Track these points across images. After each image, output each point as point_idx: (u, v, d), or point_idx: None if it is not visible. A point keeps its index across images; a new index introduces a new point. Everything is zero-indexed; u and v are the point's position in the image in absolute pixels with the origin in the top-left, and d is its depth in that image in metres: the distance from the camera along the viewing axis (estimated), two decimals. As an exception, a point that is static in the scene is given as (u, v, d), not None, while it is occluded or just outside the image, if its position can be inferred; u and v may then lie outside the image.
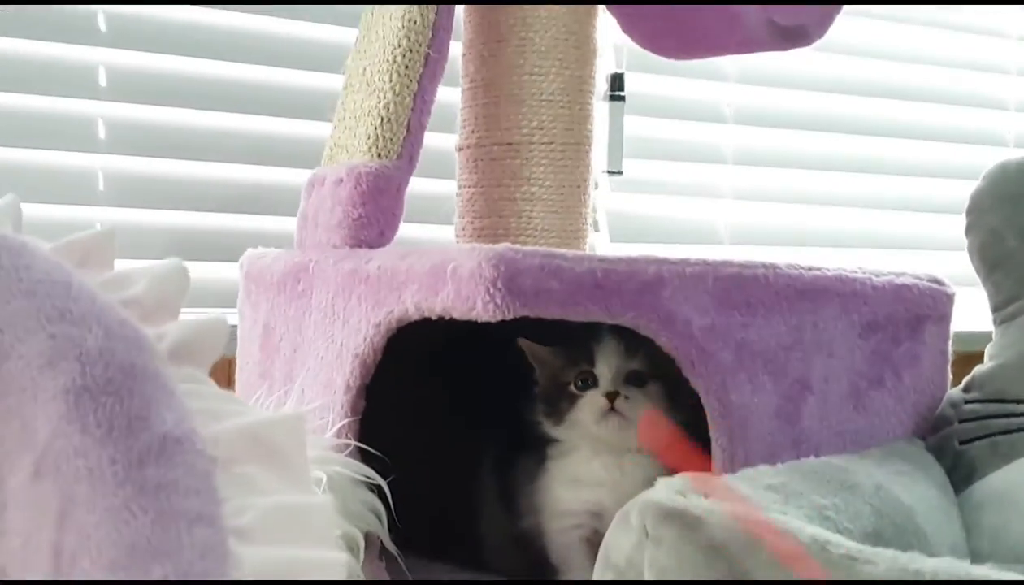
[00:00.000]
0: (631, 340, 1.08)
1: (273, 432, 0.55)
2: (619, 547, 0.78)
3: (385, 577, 1.07)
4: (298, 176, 1.33)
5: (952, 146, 2.15)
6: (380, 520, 1.06)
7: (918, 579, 0.68)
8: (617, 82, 1.85)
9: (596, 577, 0.80)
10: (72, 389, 0.56)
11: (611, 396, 1.08)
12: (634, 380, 1.09)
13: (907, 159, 2.12)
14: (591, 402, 1.09)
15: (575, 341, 1.11)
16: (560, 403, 1.12)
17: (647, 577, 0.74)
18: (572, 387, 1.10)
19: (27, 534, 0.54)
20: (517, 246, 0.99)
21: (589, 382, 1.10)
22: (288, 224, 1.34)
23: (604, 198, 1.81)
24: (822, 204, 2.04)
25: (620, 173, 1.85)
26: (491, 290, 0.97)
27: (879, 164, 2.10)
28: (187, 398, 0.57)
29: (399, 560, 1.07)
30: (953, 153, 2.14)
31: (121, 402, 0.55)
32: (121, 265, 0.68)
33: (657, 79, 1.88)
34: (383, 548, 1.07)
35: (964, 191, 1.30)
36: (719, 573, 0.71)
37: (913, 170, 2.13)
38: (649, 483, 1.05)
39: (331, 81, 1.38)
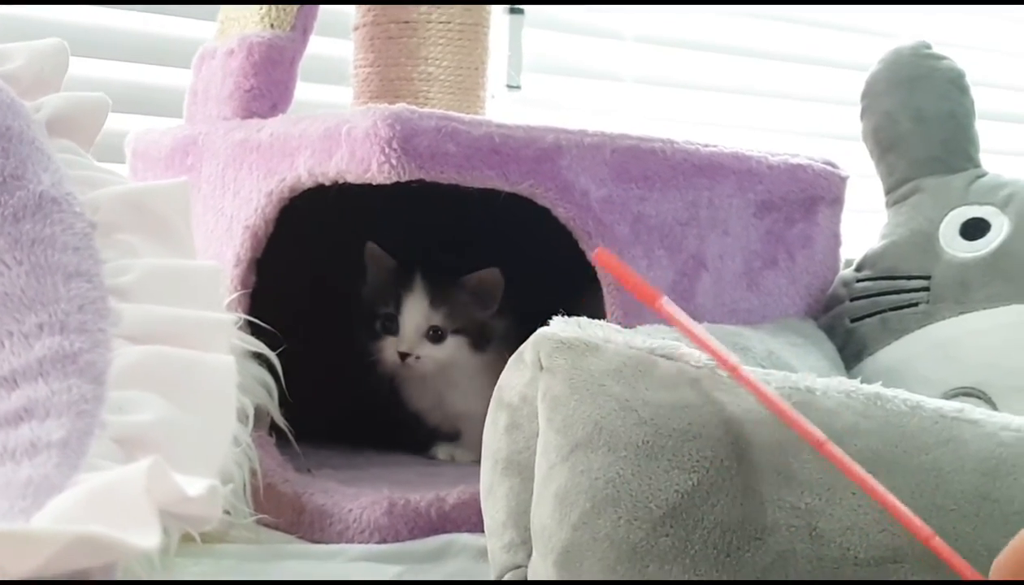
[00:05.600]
0: (439, 289, 1.13)
1: (156, 200, 0.53)
2: (512, 386, 0.77)
3: (274, 451, 1.05)
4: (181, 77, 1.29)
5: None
6: (271, 394, 1.04)
7: (809, 394, 0.68)
8: (516, -6, 1.83)
9: (489, 419, 0.79)
10: (-58, 148, 0.53)
11: (403, 356, 1.13)
12: (433, 335, 1.14)
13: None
14: (388, 349, 1.14)
15: (402, 269, 1.15)
16: (373, 326, 1.16)
17: (540, 408, 0.73)
18: (378, 324, 1.15)
19: None
20: (414, 107, 0.98)
21: (392, 328, 1.14)
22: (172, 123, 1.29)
23: (502, 112, 1.79)
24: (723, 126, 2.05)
25: (518, 87, 1.84)
26: (386, 150, 0.95)
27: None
28: (66, 167, 0.54)
29: (289, 434, 1.05)
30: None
31: (-5, 161, 0.53)
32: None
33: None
34: (274, 423, 1.05)
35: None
36: (612, 398, 0.70)
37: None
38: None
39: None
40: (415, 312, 1.13)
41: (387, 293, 1.14)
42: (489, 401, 0.79)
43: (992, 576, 0.55)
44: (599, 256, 0.71)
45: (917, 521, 0.59)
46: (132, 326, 0.49)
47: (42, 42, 0.63)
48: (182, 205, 0.54)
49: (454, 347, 1.14)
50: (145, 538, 0.37)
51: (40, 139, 0.55)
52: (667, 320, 0.70)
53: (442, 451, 1.20)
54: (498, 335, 1.16)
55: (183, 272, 0.51)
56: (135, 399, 0.46)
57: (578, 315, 0.77)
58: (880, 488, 0.59)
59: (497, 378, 1.10)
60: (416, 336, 1.13)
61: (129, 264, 0.51)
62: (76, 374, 0.46)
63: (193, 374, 0.47)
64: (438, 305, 1.13)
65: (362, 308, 1.17)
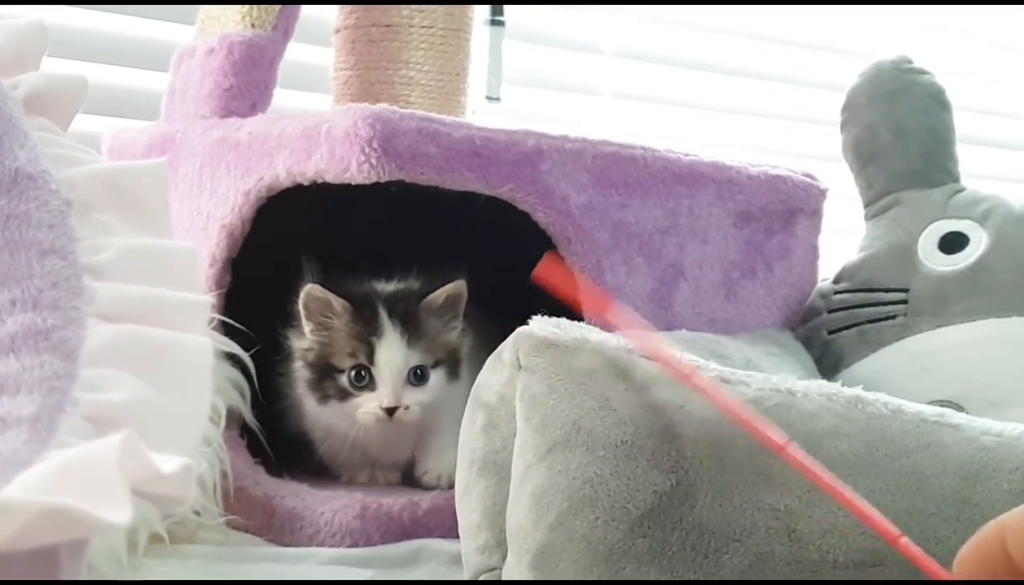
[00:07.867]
0: (410, 322, 1.02)
1: (133, 179, 0.52)
2: (490, 385, 0.76)
3: (245, 452, 1.04)
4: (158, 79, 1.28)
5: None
6: (243, 396, 1.03)
7: (790, 396, 0.68)
8: (497, 8, 1.82)
9: (466, 418, 0.78)
10: (-84, 124, 0.52)
11: (390, 411, 1.00)
12: (415, 377, 1.02)
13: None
14: (368, 408, 1.01)
15: (360, 310, 1.02)
16: (328, 386, 1.03)
17: (518, 407, 0.72)
18: (345, 379, 1.02)
19: None
20: (395, 108, 0.97)
21: (366, 380, 1.01)
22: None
23: (482, 124, 1.78)
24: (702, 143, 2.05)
25: (498, 100, 1.84)
26: (366, 150, 0.94)
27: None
28: (42, 145, 0.53)
29: (261, 436, 1.04)
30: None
31: (-31, 137, 0.52)
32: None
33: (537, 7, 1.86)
34: (245, 424, 1.04)
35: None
36: (591, 397, 0.69)
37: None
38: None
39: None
40: (394, 358, 1.00)
41: (350, 341, 1.02)
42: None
43: (955, 568, 0.55)
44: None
45: (885, 522, 0.58)
46: (106, 305, 0.48)
47: (21, 20, 0.62)
48: (160, 185, 0.53)
49: (436, 383, 1.03)
50: (117, 514, 0.36)
51: (17, 116, 0.54)
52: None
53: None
54: (465, 356, 1.06)
55: (159, 252, 0.50)
56: (108, 377, 0.45)
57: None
58: (847, 491, 0.59)
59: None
60: (400, 385, 1.01)
61: (105, 243, 0.50)
62: (48, 351, 0.45)
63: (168, 354, 0.46)
64: (415, 342, 1.01)
65: (310, 364, 1.04)
